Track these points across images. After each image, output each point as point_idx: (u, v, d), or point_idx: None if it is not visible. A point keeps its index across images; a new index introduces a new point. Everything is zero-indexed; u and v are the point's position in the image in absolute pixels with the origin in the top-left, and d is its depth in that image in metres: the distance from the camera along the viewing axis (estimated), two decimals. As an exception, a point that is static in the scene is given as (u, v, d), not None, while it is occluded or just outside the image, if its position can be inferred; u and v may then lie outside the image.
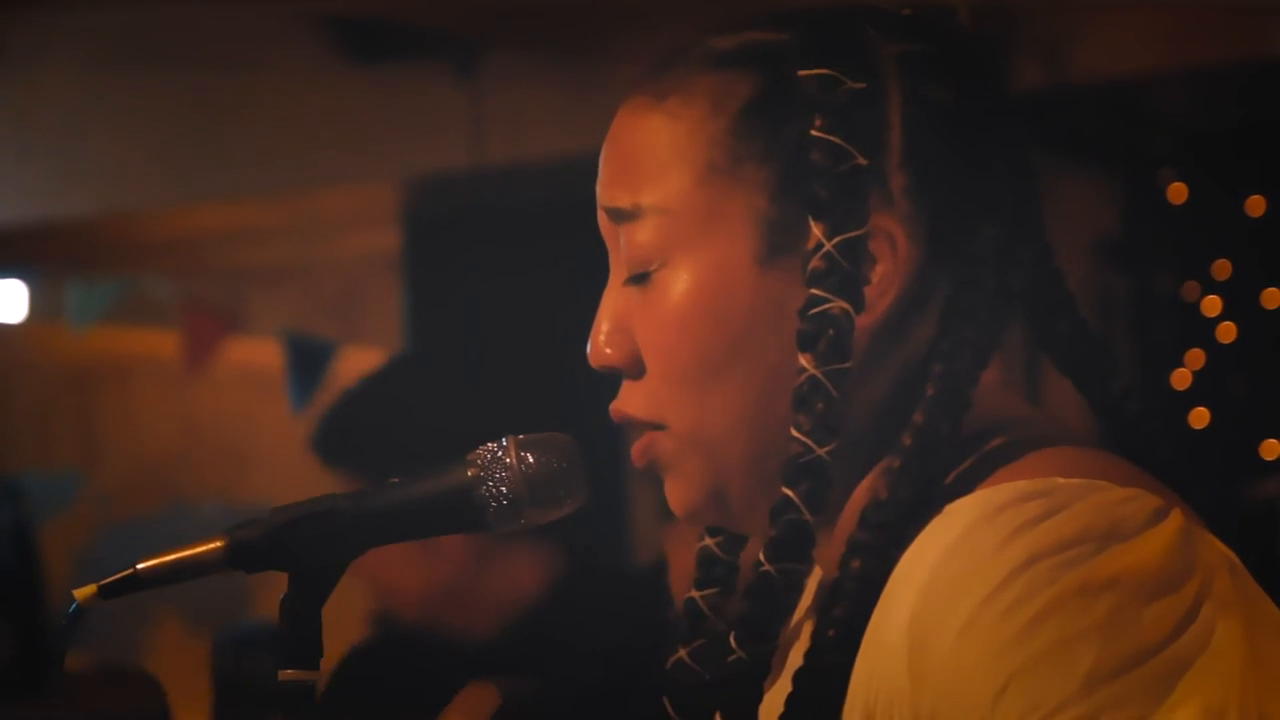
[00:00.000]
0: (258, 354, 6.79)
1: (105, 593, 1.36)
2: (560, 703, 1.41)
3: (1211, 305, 4.57)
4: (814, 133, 1.30)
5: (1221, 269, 4.56)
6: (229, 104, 5.32)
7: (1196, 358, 4.57)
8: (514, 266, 5.06)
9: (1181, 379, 4.58)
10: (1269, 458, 4.48)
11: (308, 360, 6.27)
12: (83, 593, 1.36)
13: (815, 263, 1.29)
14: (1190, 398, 4.56)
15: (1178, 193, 4.59)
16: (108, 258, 6.57)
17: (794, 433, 1.28)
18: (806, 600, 1.41)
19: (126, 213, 5.85)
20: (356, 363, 6.55)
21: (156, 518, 6.53)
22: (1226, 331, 4.55)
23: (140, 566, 1.36)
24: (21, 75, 5.59)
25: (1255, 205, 4.55)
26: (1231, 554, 1.25)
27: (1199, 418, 4.55)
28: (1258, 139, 4.51)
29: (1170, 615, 1.18)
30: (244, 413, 7.30)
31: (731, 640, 1.30)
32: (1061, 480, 1.23)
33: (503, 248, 5.06)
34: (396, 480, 1.37)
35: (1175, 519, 1.23)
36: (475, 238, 5.23)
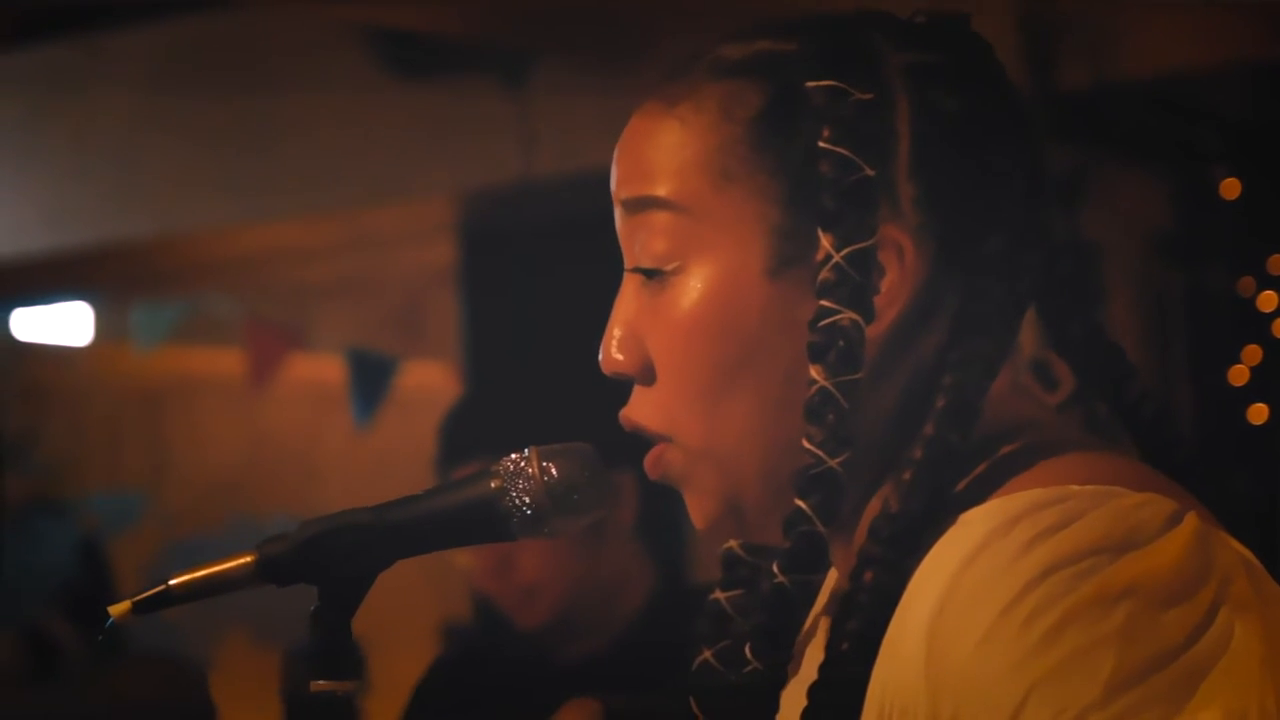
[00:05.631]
0: (321, 370, 6.83)
1: (139, 609, 1.38)
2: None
3: (1268, 300, 4.54)
4: (822, 144, 1.31)
5: (1277, 264, 4.53)
6: (282, 122, 5.36)
7: (1254, 353, 4.54)
8: (570, 275, 5.06)
9: (1239, 375, 4.55)
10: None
11: (370, 375, 6.30)
12: (118, 609, 1.38)
13: (824, 274, 1.30)
14: (1248, 394, 4.54)
15: (1231, 188, 4.56)
16: (169, 278, 6.62)
17: (806, 444, 1.29)
18: (817, 606, 1.42)
19: (186, 233, 5.89)
20: (419, 376, 6.59)
21: (223, 533, 6.58)
22: (1283, 327, 4.53)
23: (173, 582, 1.39)
24: (77, 98, 5.64)
25: (1310, 200, 4.53)
26: (1249, 554, 1.25)
27: (1258, 414, 4.52)
28: (1311, 134, 4.49)
29: (1188, 620, 1.18)
30: (309, 428, 7.35)
31: (747, 651, 1.31)
32: (1076, 487, 1.24)
33: (558, 257, 5.06)
34: (421, 492, 1.39)
35: (1190, 523, 1.23)
36: (530, 249, 5.24)
